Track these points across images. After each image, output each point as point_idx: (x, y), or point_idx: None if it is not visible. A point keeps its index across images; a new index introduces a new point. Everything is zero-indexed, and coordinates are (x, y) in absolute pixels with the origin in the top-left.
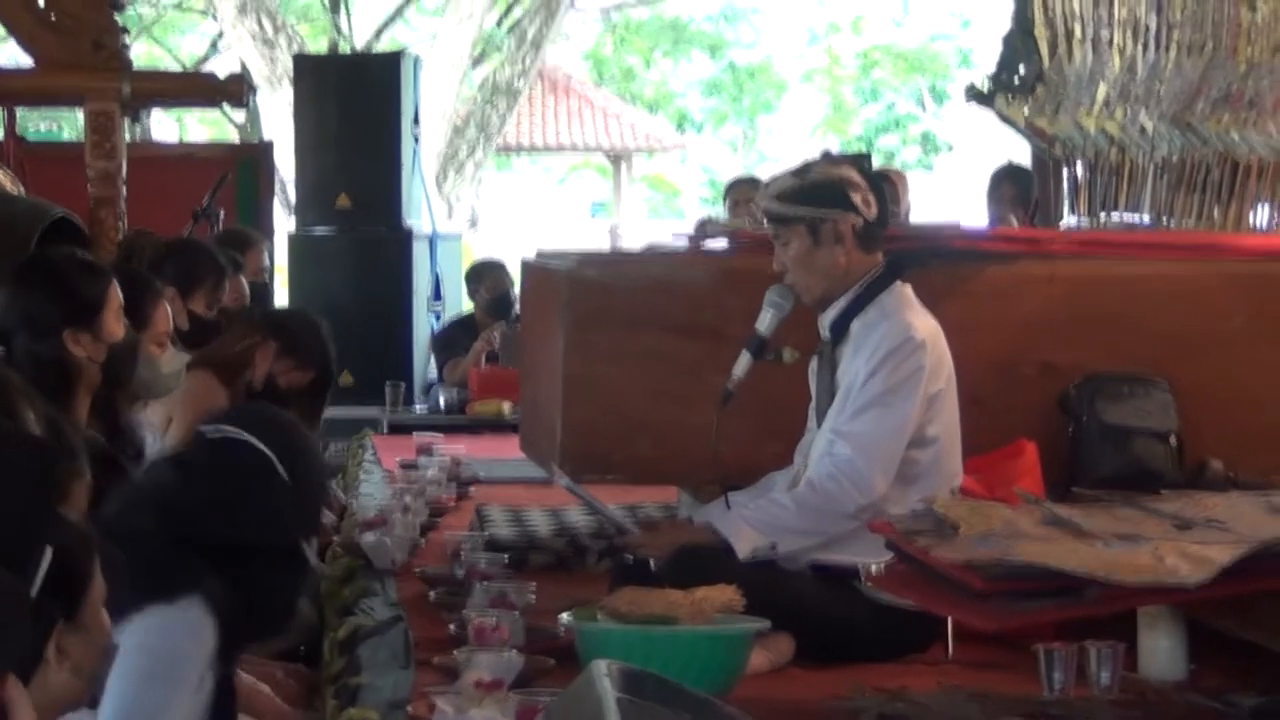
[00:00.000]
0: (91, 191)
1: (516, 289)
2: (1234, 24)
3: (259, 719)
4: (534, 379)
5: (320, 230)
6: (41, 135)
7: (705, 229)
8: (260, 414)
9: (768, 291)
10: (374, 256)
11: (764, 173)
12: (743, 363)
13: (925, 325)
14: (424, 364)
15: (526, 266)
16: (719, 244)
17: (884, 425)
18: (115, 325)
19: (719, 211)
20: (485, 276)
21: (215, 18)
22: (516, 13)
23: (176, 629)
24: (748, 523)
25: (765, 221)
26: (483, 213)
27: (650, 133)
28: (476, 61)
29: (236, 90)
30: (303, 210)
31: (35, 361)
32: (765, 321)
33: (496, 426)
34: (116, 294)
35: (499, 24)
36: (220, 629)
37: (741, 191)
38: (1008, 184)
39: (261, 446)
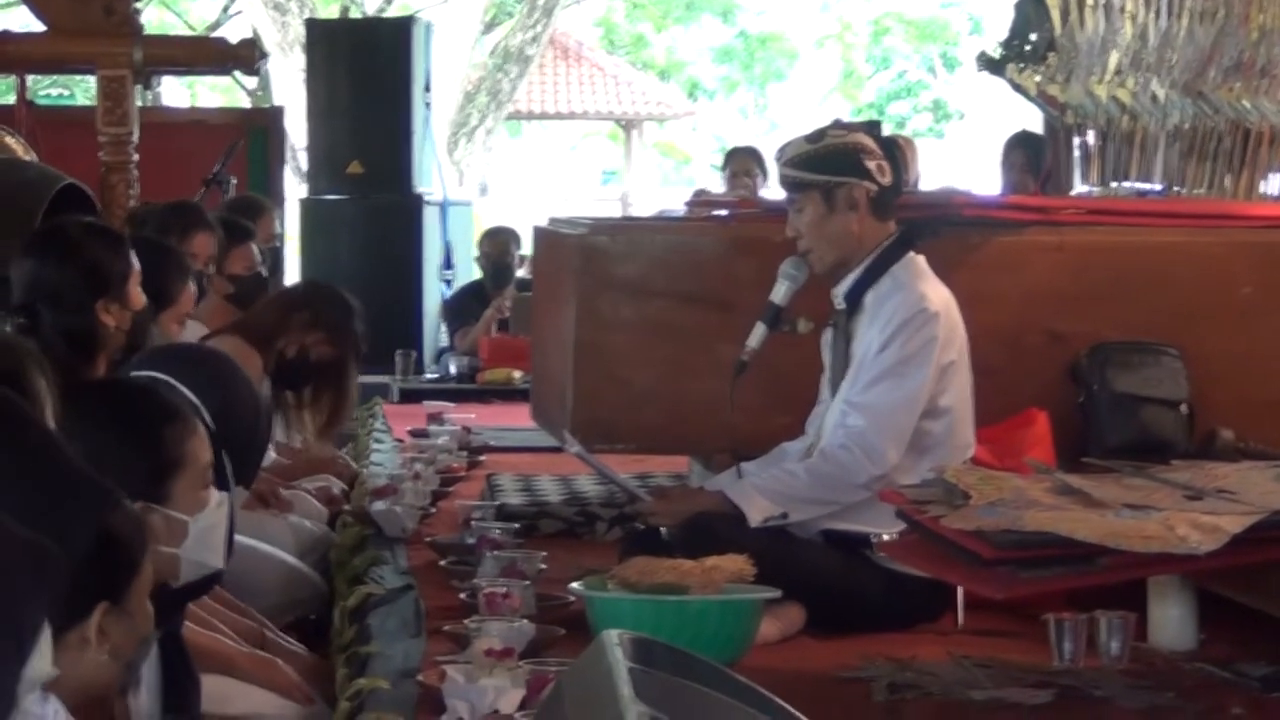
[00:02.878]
0: (103, 158)
1: (517, 256)
2: None
3: (272, 691)
4: (545, 347)
5: (331, 197)
6: (53, 101)
7: (701, 199)
8: (187, 353)
9: (783, 263)
10: (385, 223)
11: (775, 140)
12: (758, 333)
13: (939, 296)
14: (434, 331)
15: (538, 234)
16: (718, 214)
17: (896, 396)
18: (138, 293)
19: (719, 181)
20: (486, 242)
21: None
22: None
23: None
24: (760, 491)
25: (780, 186)
26: (493, 180)
27: (661, 100)
28: (488, 28)
29: (248, 56)
30: (314, 177)
31: (65, 332)
32: (780, 292)
33: (507, 394)
34: (135, 262)
35: None
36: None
37: (740, 162)
38: (1018, 151)
39: (183, 389)
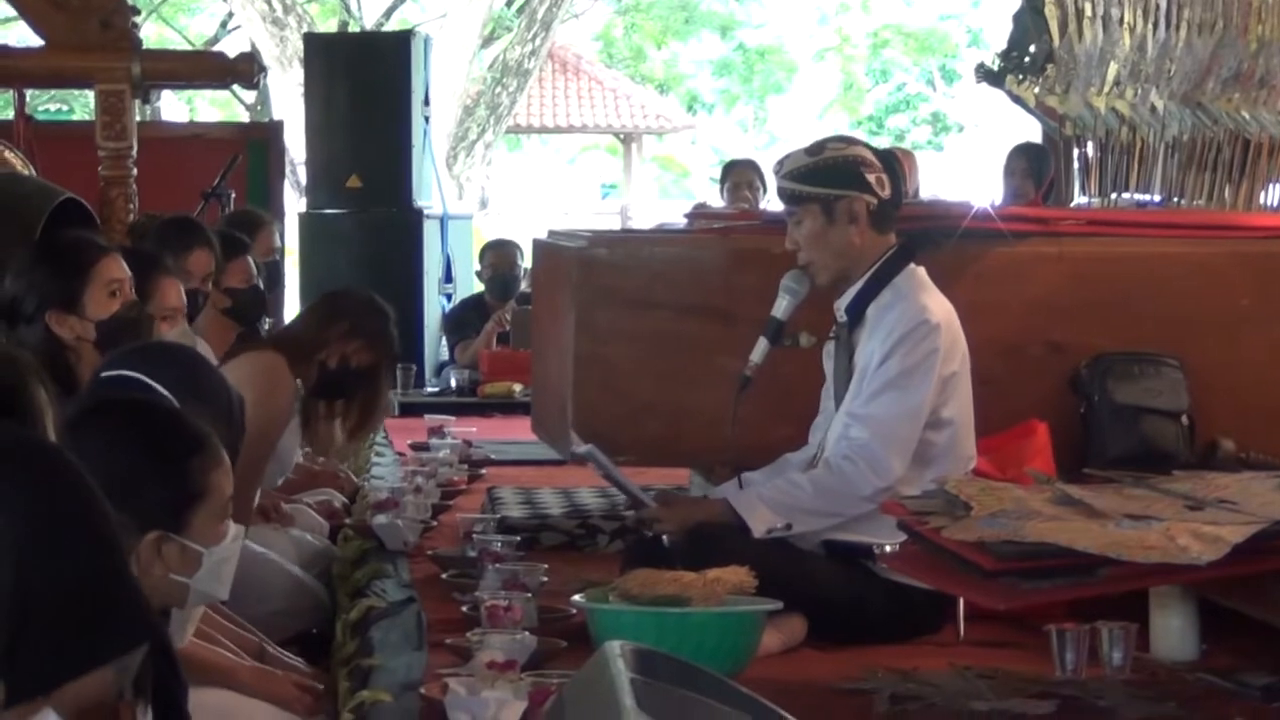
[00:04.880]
0: (102, 172)
1: (522, 269)
2: (1244, 2)
3: (274, 704)
4: (545, 359)
5: (331, 211)
6: (51, 116)
7: (701, 212)
8: (160, 350)
9: (784, 277)
10: (384, 237)
11: (774, 154)
12: (760, 348)
13: (940, 307)
14: (435, 345)
15: (537, 246)
16: (717, 226)
17: (899, 408)
18: (106, 302)
19: (718, 194)
20: (488, 255)
21: None
22: None
23: None
24: (764, 502)
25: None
26: (493, 193)
27: (660, 113)
28: (486, 41)
29: (247, 70)
30: (313, 191)
31: (30, 345)
32: (781, 307)
33: (507, 407)
34: (109, 271)
35: (509, 4)
36: None
37: (739, 174)
38: (1020, 158)
39: (156, 385)
